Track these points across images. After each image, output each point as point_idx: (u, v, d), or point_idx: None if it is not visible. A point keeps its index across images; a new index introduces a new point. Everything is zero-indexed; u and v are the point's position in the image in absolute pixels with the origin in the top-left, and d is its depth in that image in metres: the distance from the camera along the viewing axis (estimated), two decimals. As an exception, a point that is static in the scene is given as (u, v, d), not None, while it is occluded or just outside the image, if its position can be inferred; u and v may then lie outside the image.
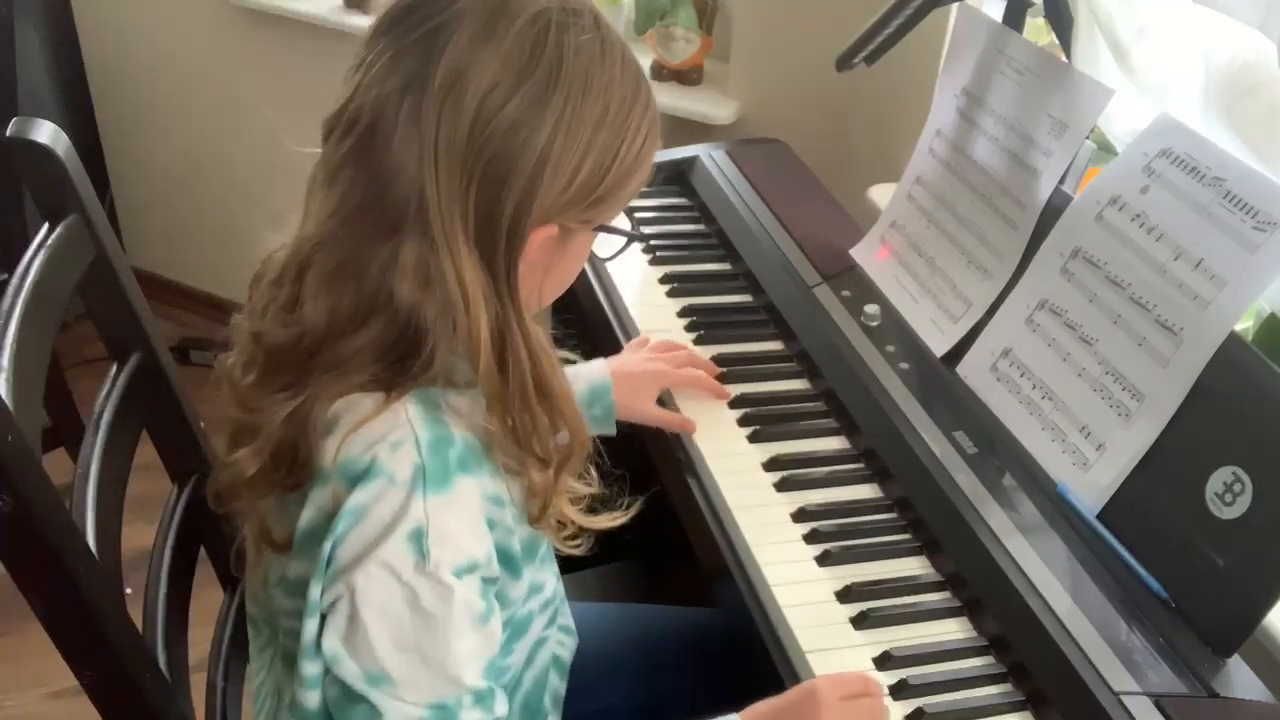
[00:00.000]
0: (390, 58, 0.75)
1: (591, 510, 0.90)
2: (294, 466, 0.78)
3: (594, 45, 0.76)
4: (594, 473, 0.91)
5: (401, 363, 0.77)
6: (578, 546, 0.90)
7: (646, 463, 1.20)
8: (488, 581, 0.78)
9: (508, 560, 0.81)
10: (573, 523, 0.87)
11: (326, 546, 0.74)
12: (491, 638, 0.78)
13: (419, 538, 0.73)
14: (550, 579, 0.95)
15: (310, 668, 0.76)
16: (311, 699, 0.78)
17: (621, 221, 0.86)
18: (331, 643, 0.74)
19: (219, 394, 0.84)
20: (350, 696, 0.75)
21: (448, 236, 0.74)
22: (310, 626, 0.75)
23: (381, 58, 0.75)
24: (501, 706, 0.79)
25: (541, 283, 0.83)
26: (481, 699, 0.76)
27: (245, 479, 0.80)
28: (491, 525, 0.79)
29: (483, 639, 0.76)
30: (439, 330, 0.76)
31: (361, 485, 0.74)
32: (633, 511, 0.91)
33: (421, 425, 0.76)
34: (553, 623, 0.97)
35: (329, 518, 0.75)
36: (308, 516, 0.77)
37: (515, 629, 0.89)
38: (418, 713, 0.74)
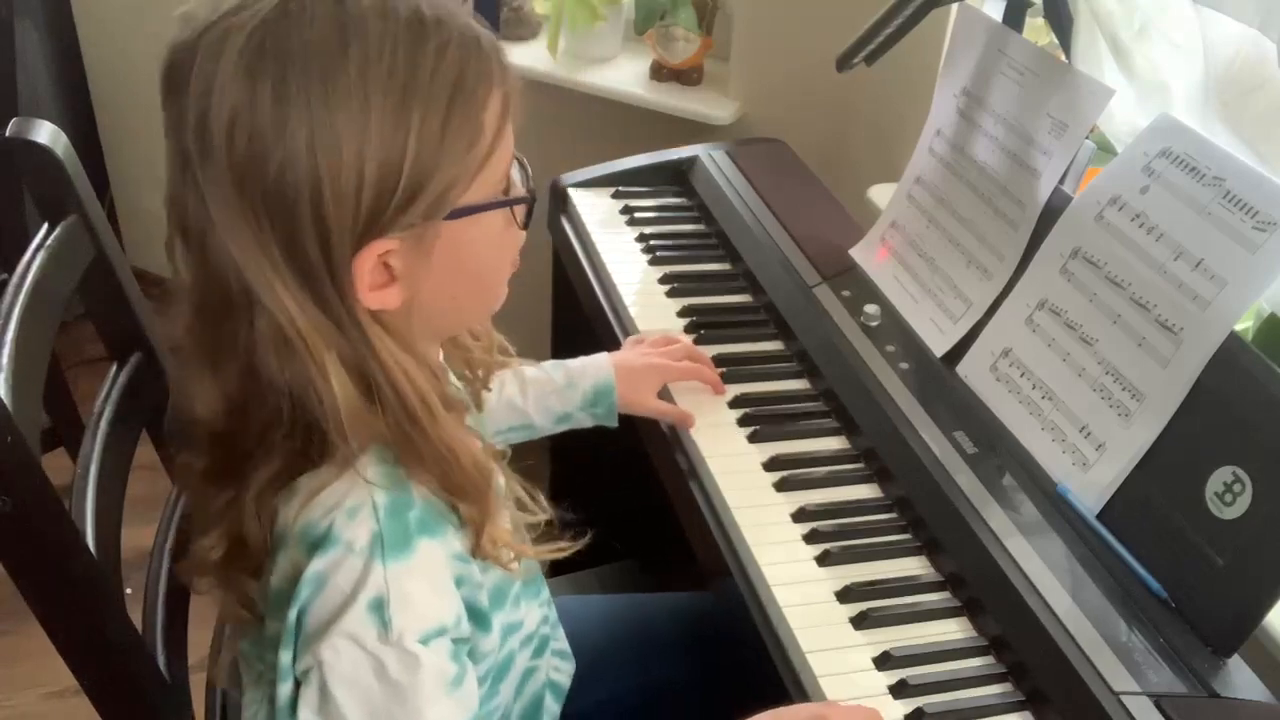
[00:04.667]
0: (169, 139, 0.73)
1: (547, 535, 0.87)
2: (247, 554, 0.77)
3: (328, 32, 0.67)
4: (541, 500, 0.89)
5: (305, 434, 0.74)
6: (520, 574, 0.87)
7: (645, 463, 1.20)
8: (459, 643, 0.76)
9: (477, 616, 0.79)
10: (514, 550, 0.83)
11: (292, 614, 0.72)
12: (466, 700, 0.75)
13: (380, 607, 0.71)
14: (532, 613, 0.93)
15: None
16: None
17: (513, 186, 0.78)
18: (306, 715, 0.72)
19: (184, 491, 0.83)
20: None
21: (265, 293, 0.69)
22: (283, 690, 0.74)
23: (166, 141, 0.73)
24: None
25: (446, 295, 0.76)
26: None
27: (212, 564, 0.79)
28: (459, 583, 0.77)
29: (456, 704, 0.74)
30: (311, 394, 0.72)
31: (320, 553, 0.72)
32: (579, 546, 0.87)
33: (379, 489, 0.74)
34: (541, 652, 0.96)
35: (292, 583, 0.73)
36: (274, 581, 0.76)
37: (498, 671, 0.87)
38: None
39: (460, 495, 0.77)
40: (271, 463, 0.75)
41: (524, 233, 0.82)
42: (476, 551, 0.79)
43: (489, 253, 0.79)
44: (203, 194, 0.70)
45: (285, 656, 0.73)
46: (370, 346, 0.72)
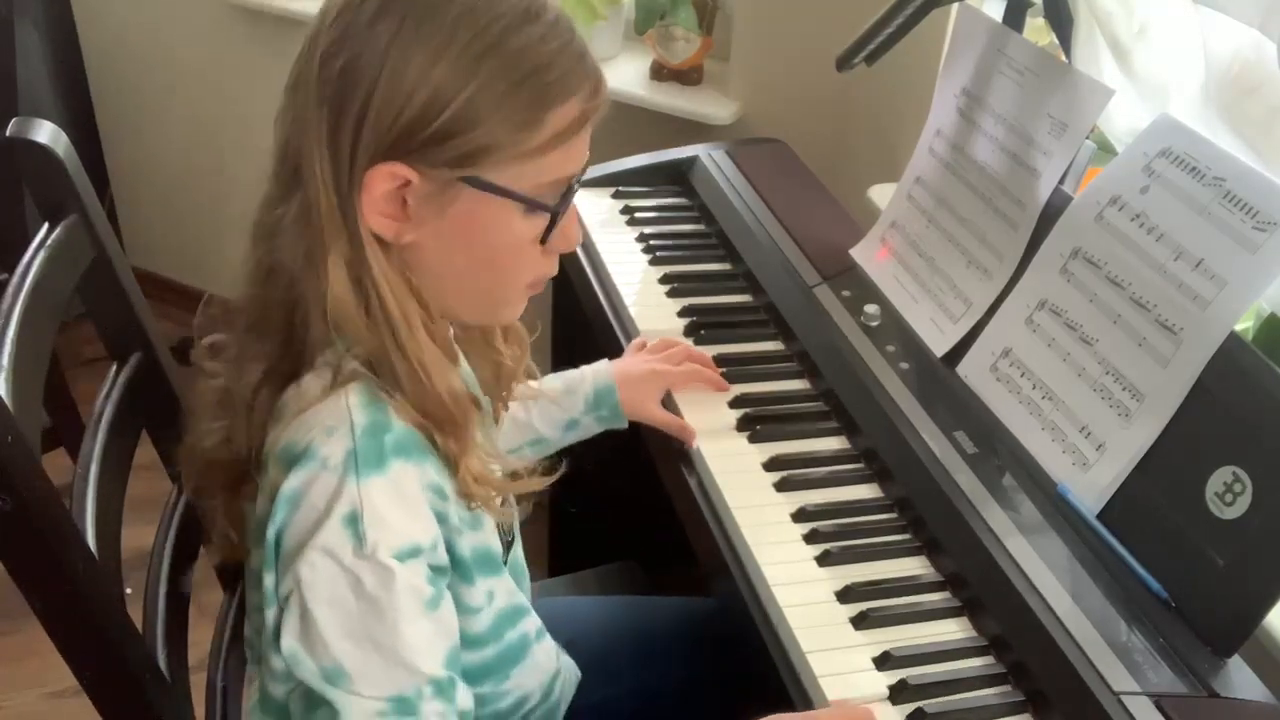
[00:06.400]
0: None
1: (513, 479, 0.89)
2: (235, 452, 0.80)
3: None
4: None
5: (300, 323, 0.78)
6: (507, 515, 0.90)
7: (645, 463, 1.20)
8: (436, 570, 0.77)
9: (457, 563, 0.80)
10: (493, 486, 0.84)
11: (271, 533, 0.74)
12: (445, 625, 0.77)
13: (354, 521, 0.72)
14: (531, 617, 0.94)
15: (277, 661, 0.75)
16: (280, 690, 0.78)
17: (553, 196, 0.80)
18: (289, 643, 0.73)
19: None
20: (312, 702, 0.74)
21: (308, 164, 0.75)
22: (270, 616, 0.75)
23: None
24: (465, 698, 0.77)
25: (440, 257, 0.79)
26: (442, 689, 0.74)
27: (201, 450, 0.82)
28: (439, 519, 0.78)
29: (435, 626, 0.75)
30: (308, 283, 0.76)
31: (295, 470, 0.74)
32: (554, 477, 0.89)
33: (359, 411, 0.76)
34: (562, 653, 0.98)
35: (272, 502, 0.75)
36: (260, 503, 0.78)
37: (508, 653, 0.88)
38: (376, 706, 0.72)
39: (435, 423, 0.78)
40: (264, 347, 0.79)
41: (549, 260, 0.84)
42: (460, 489, 0.80)
43: (503, 248, 0.81)
44: (298, 78, 0.76)
45: (269, 580, 0.75)
46: (363, 257, 0.76)
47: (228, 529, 0.84)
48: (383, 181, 0.75)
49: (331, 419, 0.75)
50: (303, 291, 0.76)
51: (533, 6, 0.75)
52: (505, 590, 0.87)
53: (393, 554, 0.73)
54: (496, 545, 0.87)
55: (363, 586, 0.72)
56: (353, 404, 0.76)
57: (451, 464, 0.80)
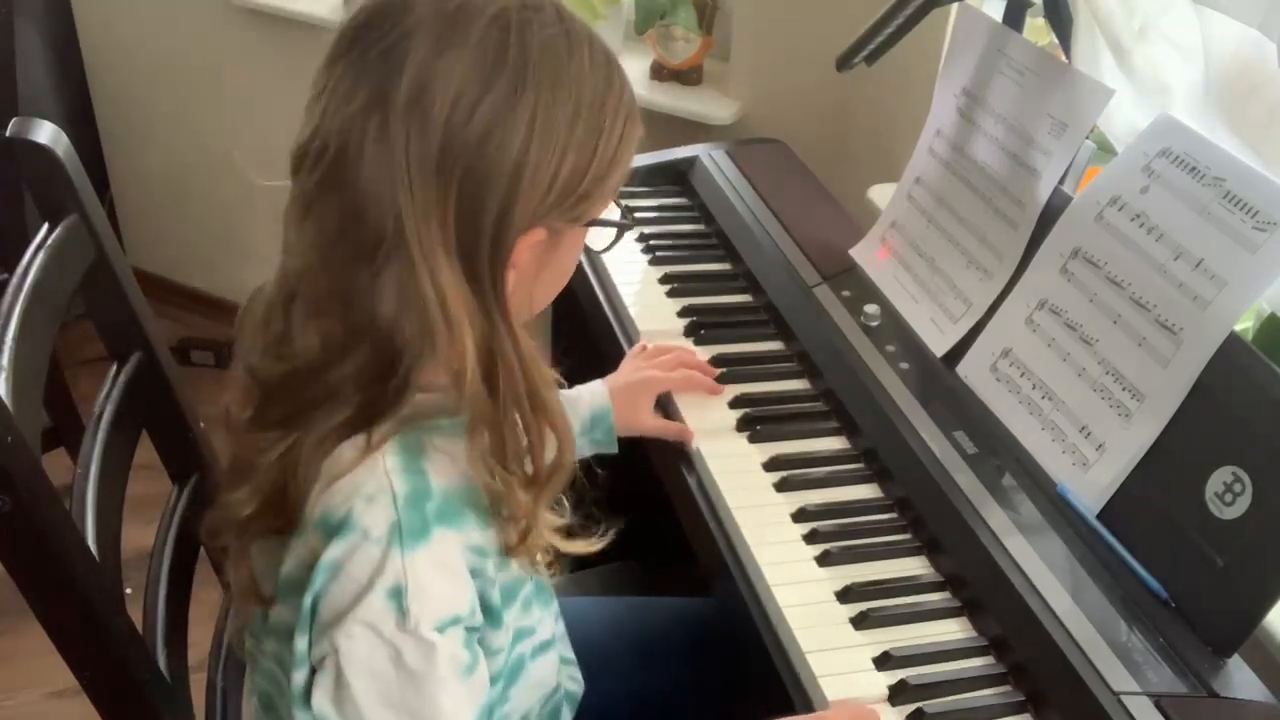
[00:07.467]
0: (351, 80, 0.73)
1: (565, 538, 0.88)
2: (285, 509, 0.77)
3: (559, 40, 0.74)
4: (565, 503, 0.90)
5: (381, 386, 0.76)
6: (553, 576, 0.90)
7: (645, 463, 1.20)
8: (471, 631, 0.77)
9: (489, 611, 0.80)
10: (549, 549, 0.84)
11: (308, 600, 0.73)
12: (479, 686, 0.77)
13: (398, 595, 0.72)
14: (545, 621, 0.93)
15: (302, 717, 0.75)
16: None
17: (611, 210, 0.84)
18: (320, 702, 0.73)
19: (221, 436, 0.84)
20: None
21: (426, 254, 0.72)
22: (298, 678, 0.75)
23: (342, 82, 0.73)
24: None
25: (533, 287, 0.81)
26: None
27: (239, 519, 0.80)
28: (473, 574, 0.78)
29: (469, 690, 0.75)
30: (415, 350, 0.74)
31: (337, 540, 0.73)
32: (606, 540, 0.89)
33: (399, 478, 0.75)
34: (560, 667, 0.97)
35: (308, 569, 0.74)
36: (289, 565, 0.77)
37: (508, 675, 0.88)
38: None
39: (543, 484, 0.80)
40: (340, 410, 0.76)
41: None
42: (516, 549, 0.80)
43: (571, 264, 0.85)
44: (390, 143, 0.71)
45: (301, 644, 0.74)
46: (508, 326, 0.76)
47: (246, 580, 0.83)
48: (526, 250, 0.76)
49: (370, 486, 0.74)
50: (413, 375, 0.75)
51: (608, 53, 0.78)
52: (513, 614, 0.87)
53: (434, 626, 0.73)
54: (539, 573, 0.88)
55: (403, 659, 0.72)
56: (391, 469, 0.75)
57: (516, 521, 0.80)
